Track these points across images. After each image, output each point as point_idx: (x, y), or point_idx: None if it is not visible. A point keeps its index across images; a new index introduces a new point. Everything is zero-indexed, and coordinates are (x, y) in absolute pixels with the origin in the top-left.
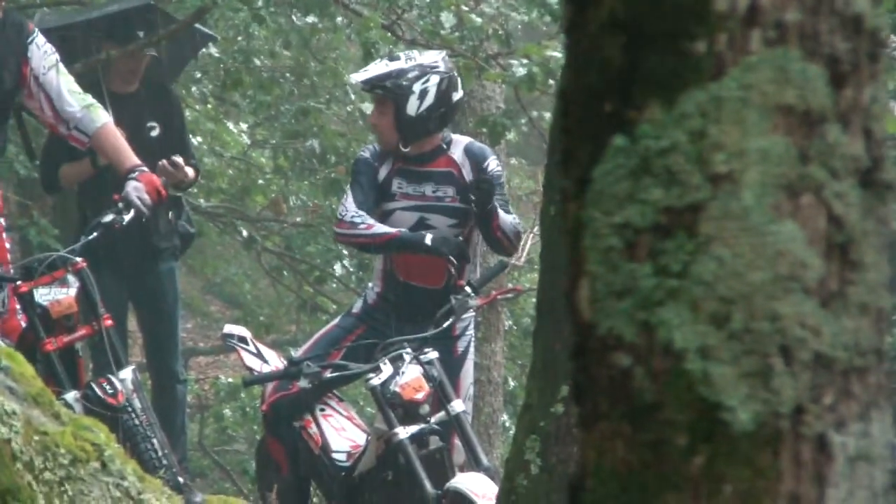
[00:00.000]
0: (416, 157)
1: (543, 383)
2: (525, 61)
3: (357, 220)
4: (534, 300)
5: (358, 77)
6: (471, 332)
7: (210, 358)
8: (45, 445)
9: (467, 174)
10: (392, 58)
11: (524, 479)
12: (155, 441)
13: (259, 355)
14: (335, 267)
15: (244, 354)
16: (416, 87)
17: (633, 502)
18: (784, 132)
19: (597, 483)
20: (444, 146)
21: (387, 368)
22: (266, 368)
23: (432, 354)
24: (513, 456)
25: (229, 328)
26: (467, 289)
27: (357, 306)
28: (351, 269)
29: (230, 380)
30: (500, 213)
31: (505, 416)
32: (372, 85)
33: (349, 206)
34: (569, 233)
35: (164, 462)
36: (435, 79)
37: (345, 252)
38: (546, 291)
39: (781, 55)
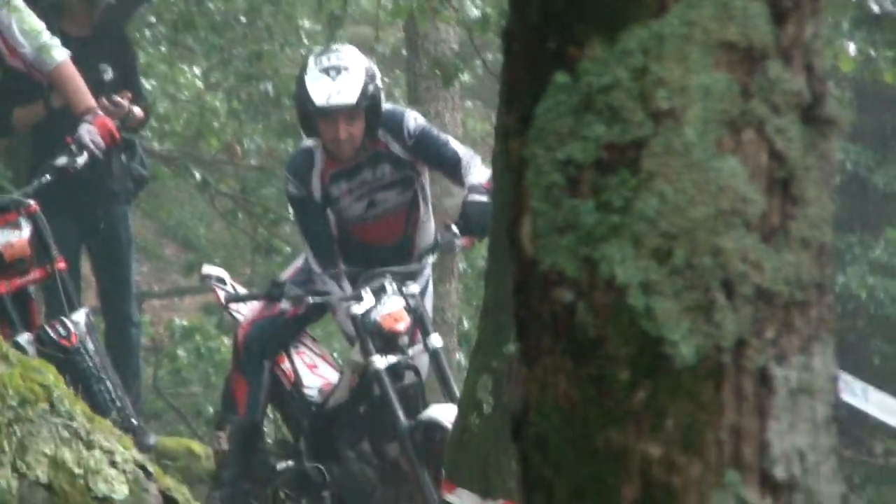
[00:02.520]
0: (347, 154)
1: (495, 323)
2: (479, 2)
3: (318, 278)
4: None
5: (343, 100)
6: (429, 271)
7: (165, 301)
8: None
9: (394, 147)
10: (342, 69)
11: (477, 418)
12: (108, 383)
13: (237, 296)
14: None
15: (222, 295)
16: (381, 92)
17: (575, 437)
18: (726, 69)
19: (539, 418)
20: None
21: (368, 298)
22: (243, 309)
23: (414, 287)
24: (465, 395)
25: (207, 269)
26: (454, 227)
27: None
28: None
29: (185, 322)
30: (476, 178)
31: (460, 356)
32: (357, 105)
33: (314, 267)
34: (512, 170)
35: (117, 404)
36: (378, 77)
37: None
38: (498, 231)
39: None
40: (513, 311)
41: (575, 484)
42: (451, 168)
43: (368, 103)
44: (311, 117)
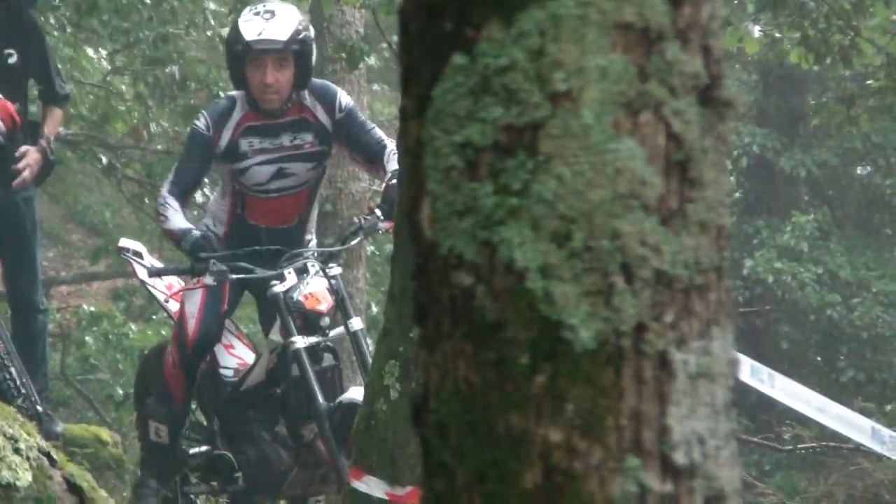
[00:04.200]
0: (270, 111)
1: (401, 308)
2: None
3: (161, 208)
4: None
5: (275, 34)
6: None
7: (72, 287)
8: None
9: (322, 116)
10: (276, 13)
11: (384, 405)
12: (13, 370)
13: (157, 270)
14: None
15: (138, 268)
16: (313, 43)
17: (475, 421)
18: (623, 50)
19: (439, 402)
20: (294, 95)
21: (291, 277)
22: (159, 284)
23: (337, 269)
24: (372, 381)
25: (125, 242)
26: (377, 211)
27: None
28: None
29: (92, 308)
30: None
31: (368, 341)
32: (287, 45)
33: (163, 189)
34: (410, 152)
35: (23, 391)
36: (312, 33)
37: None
38: (402, 215)
39: None
40: (413, 294)
41: (476, 469)
42: (374, 153)
43: (299, 48)
44: (240, 60)
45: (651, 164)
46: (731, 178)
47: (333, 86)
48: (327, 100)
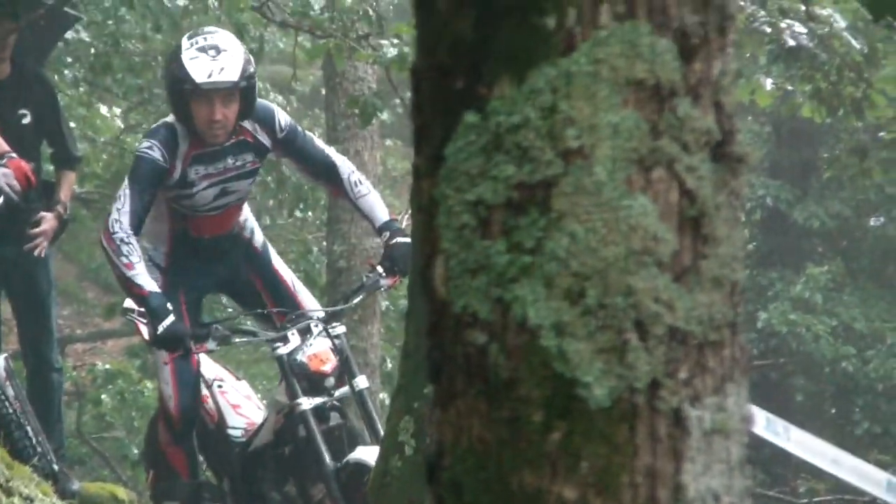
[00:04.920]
0: (215, 137)
1: (416, 364)
2: (396, 41)
3: (124, 248)
4: None
5: (224, 77)
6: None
7: (87, 344)
8: None
9: (261, 137)
10: (221, 49)
11: (398, 461)
12: (28, 429)
13: None
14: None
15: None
16: (255, 78)
17: (490, 479)
18: (635, 106)
19: (454, 461)
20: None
21: (294, 338)
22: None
23: (340, 328)
24: (387, 437)
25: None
26: (379, 268)
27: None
28: None
29: (107, 366)
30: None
31: (384, 395)
32: (237, 84)
33: (122, 223)
34: (423, 211)
35: (39, 450)
36: (253, 63)
37: None
38: (416, 272)
39: (631, 29)
40: (426, 352)
41: None
42: (323, 169)
43: (246, 84)
44: (186, 97)
45: (664, 221)
46: (745, 231)
47: (270, 105)
48: (266, 122)
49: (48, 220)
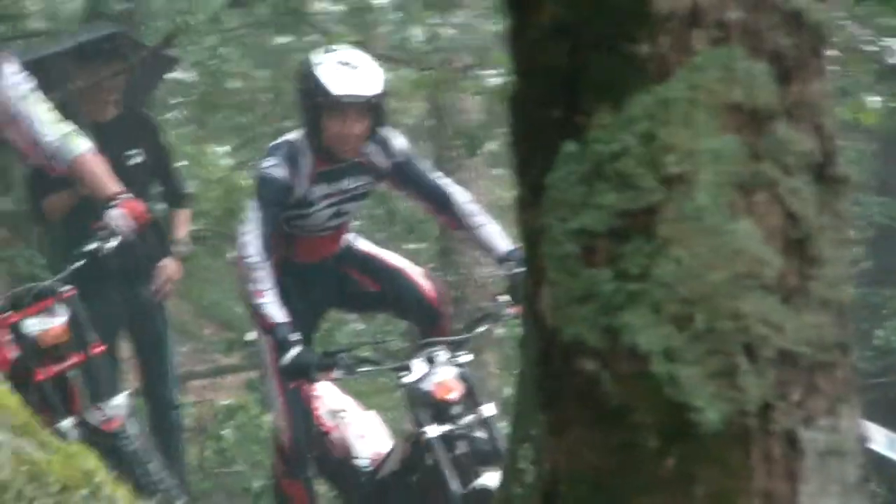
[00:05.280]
0: (339, 158)
1: (532, 391)
2: (499, 71)
3: (254, 274)
4: None
5: (362, 90)
6: None
7: (207, 381)
8: (34, 475)
9: (378, 160)
10: (359, 64)
11: (518, 488)
12: (151, 465)
13: None
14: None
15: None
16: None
17: None
18: (734, 130)
19: (569, 488)
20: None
21: (418, 367)
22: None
23: (466, 357)
24: (507, 464)
25: (251, 335)
26: (504, 297)
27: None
28: None
29: (228, 401)
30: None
31: (503, 424)
32: (372, 99)
33: (254, 247)
34: (527, 241)
35: (161, 486)
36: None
37: None
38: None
39: (726, 54)
40: (538, 381)
41: None
42: (437, 198)
43: (379, 102)
44: (319, 110)
45: (769, 244)
46: (855, 250)
47: (387, 130)
48: (384, 145)
49: (171, 267)
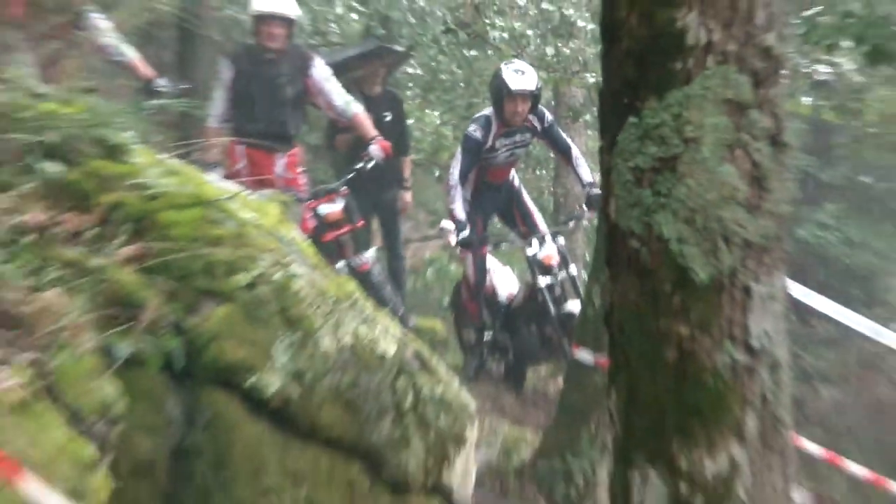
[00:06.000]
0: (512, 125)
1: (602, 258)
2: (594, 74)
3: (451, 192)
4: None
5: (527, 86)
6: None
7: (419, 244)
8: (319, 291)
9: (536, 124)
10: (525, 71)
11: (591, 310)
12: (385, 291)
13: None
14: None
15: (451, 239)
16: (541, 91)
17: (640, 323)
18: (726, 114)
19: (619, 312)
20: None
21: (535, 244)
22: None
23: (561, 239)
24: (585, 296)
25: (444, 223)
26: (583, 207)
27: (464, 205)
28: None
29: (429, 255)
30: (587, 176)
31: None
32: (532, 92)
33: (455, 175)
34: (604, 172)
35: (391, 303)
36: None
37: None
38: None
39: (725, 69)
40: (604, 252)
41: (639, 350)
42: (563, 151)
43: (537, 93)
44: (503, 97)
45: (742, 179)
46: (791, 185)
47: (543, 108)
48: (540, 116)
49: (406, 197)
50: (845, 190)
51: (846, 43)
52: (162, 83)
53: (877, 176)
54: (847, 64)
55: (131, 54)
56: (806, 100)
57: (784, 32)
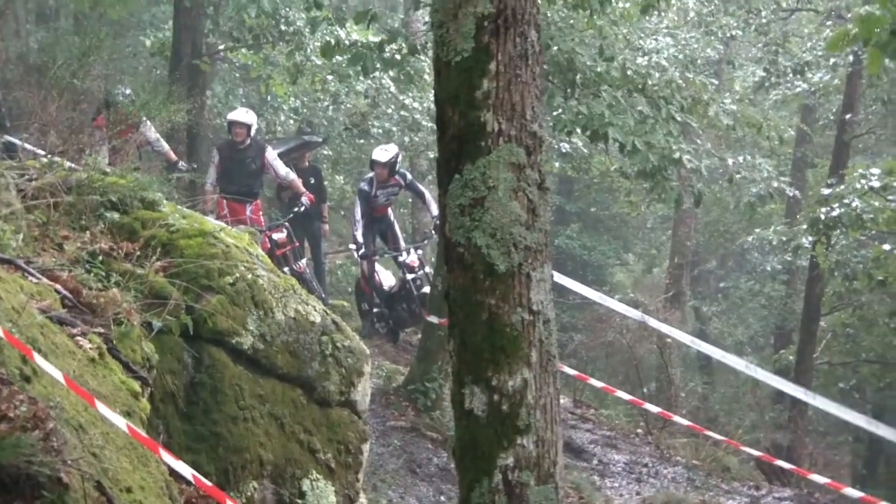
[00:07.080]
0: (383, 183)
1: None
2: (433, 151)
3: (356, 224)
4: None
5: (383, 158)
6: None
7: (332, 255)
8: (274, 285)
9: (401, 181)
10: (384, 148)
11: (437, 291)
12: (314, 284)
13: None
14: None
15: (354, 251)
16: (398, 163)
17: (465, 297)
18: (512, 171)
19: (453, 292)
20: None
21: (404, 254)
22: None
23: (420, 249)
24: (432, 284)
25: (351, 244)
26: (433, 230)
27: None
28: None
29: (339, 262)
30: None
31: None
32: (387, 163)
33: (357, 214)
34: (441, 208)
35: (316, 291)
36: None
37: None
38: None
39: (510, 146)
40: (444, 256)
41: (466, 313)
42: (419, 196)
43: (392, 161)
44: (373, 165)
45: (522, 210)
46: (550, 213)
47: (405, 171)
48: (402, 175)
49: (325, 227)
50: (582, 215)
51: (578, 131)
52: (181, 165)
53: (599, 207)
54: (579, 142)
55: (166, 146)
56: (556, 164)
57: (543, 123)
